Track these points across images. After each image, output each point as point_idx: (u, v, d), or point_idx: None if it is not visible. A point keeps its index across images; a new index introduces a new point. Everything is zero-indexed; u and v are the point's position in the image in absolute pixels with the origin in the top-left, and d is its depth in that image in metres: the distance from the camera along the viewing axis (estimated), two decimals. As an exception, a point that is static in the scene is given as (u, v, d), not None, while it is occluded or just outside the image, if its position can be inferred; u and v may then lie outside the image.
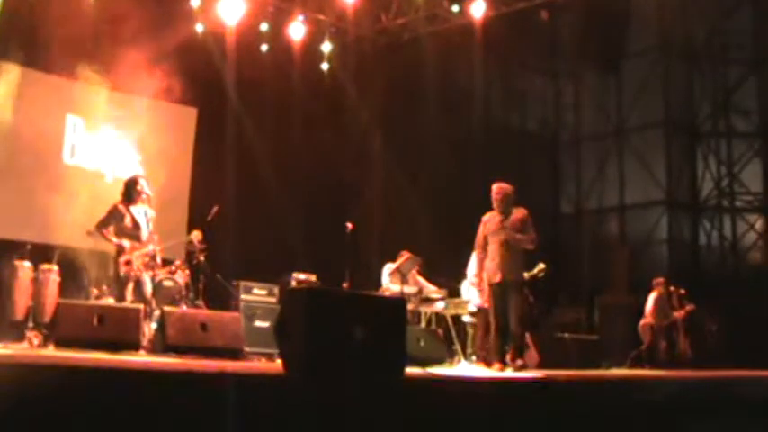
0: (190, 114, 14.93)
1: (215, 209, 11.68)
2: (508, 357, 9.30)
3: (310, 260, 13.55)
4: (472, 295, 11.46)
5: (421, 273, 12.56)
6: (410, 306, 11.67)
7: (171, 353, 8.77)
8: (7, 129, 12.29)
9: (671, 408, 6.22)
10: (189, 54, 13.89)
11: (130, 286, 9.74)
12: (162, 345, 9.05)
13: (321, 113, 16.01)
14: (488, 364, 9.80)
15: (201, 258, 11.73)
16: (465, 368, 11.05)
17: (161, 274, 10.59)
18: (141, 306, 9.41)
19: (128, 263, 9.74)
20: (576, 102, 20.71)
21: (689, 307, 14.74)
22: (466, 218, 10.75)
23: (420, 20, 16.17)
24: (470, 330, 12.18)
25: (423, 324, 12.57)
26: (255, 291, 12.53)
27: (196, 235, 11.46)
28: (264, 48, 15.59)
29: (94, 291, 11.13)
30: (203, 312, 10.42)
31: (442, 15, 16.14)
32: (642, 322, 14.67)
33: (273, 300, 12.56)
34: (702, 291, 15.87)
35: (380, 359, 5.37)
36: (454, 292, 12.38)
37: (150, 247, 9.96)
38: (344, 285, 11.64)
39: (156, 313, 9.61)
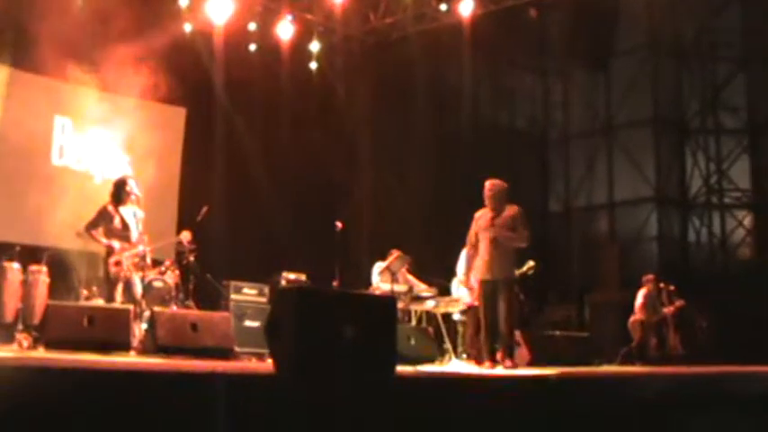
0: (179, 114, 14.91)
1: (204, 209, 11.65)
2: (499, 356, 9.29)
3: (300, 259, 13.54)
4: (462, 293, 11.46)
5: (411, 271, 12.56)
6: (400, 304, 11.68)
7: (161, 353, 8.75)
8: (-5, 130, 12.28)
9: (662, 404, 6.23)
10: (177, 54, 13.85)
11: (120, 287, 9.72)
12: (152, 345, 9.03)
13: (310, 113, 16.01)
14: (479, 362, 9.81)
15: (191, 258, 11.70)
16: (455, 366, 11.07)
17: (151, 274, 10.55)
18: (131, 307, 9.39)
19: (117, 264, 9.72)
20: (565, 99, 20.76)
21: (678, 303, 14.76)
22: (455, 216, 10.76)
23: (408, 19, 16.17)
24: (461, 329, 12.18)
25: (413, 322, 12.59)
26: (245, 291, 12.53)
27: (186, 235, 11.42)
28: (253, 47, 15.58)
29: (84, 292, 11.12)
30: (193, 313, 10.40)
31: (431, 14, 16.16)
32: (632, 319, 14.71)
33: (264, 299, 12.56)
34: (692, 287, 15.91)
35: (371, 358, 5.37)
36: (444, 291, 12.39)
37: (140, 248, 9.94)
38: (334, 284, 11.65)
39: (147, 314, 9.57)
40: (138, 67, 12.72)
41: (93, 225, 9.90)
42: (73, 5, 13.02)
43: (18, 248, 11.28)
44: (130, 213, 10.06)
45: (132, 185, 10.17)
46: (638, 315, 14.65)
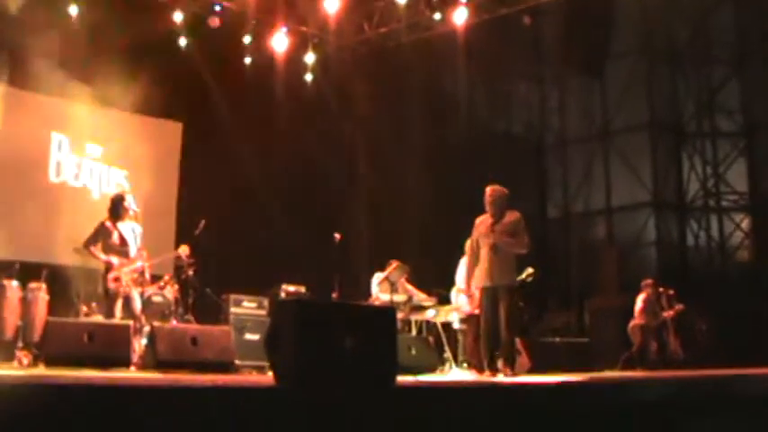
0: (175, 129, 14.93)
1: (202, 222, 11.66)
2: (499, 364, 9.26)
3: (299, 272, 13.53)
4: (462, 302, 11.44)
5: (410, 280, 12.56)
6: (400, 314, 11.68)
7: (162, 368, 8.75)
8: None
9: (665, 408, 6.23)
10: (173, 68, 13.88)
11: (119, 303, 9.70)
12: (152, 360, 9.03)
13: (306, 125, 16.00)
14: (479, 370, 9.79)
15: (190, 273, 11.70)
16: (456, 375, 11.06)
17: (150, 289, 10.57)
18: (131, 322, 9.40)
19: (116, 279, 9.71)
20: (561, 105, 20.78)
21: (678, 307, 14.75)
22: (453, 224, 10.76)
23: (403, 28, 16.17)
24: (461, 337, 12.17)
25: (413, 332, 12.58)
26: (245, 304, 12.54)
27: (184, 249, 11.41)
28: (248, 60, 15.60)
29: (83, 308, 11.11)
30: (193, 327, 10.39)
31: (425, 23, 16.16)
32: (632, 324, 14.69)
33: (263, 312, 12.56)
34: (691, 291, 15.91)
35: (372, 369, 5.37)
36: (444, 300, 12.38)
37: (139, 263, 9.93)
38: (334, 296, 11.65)
39: (146, 329, 9.58)
40: (133, 82, 12.74)
41: (91, 241, 9.89)
42: (68, 23, 13.03)
43: (17, 266, 11.27)
44: (128, 229, 10.06)
45: (130, 201, 10.17)
46: (637, 320, 14.63)
